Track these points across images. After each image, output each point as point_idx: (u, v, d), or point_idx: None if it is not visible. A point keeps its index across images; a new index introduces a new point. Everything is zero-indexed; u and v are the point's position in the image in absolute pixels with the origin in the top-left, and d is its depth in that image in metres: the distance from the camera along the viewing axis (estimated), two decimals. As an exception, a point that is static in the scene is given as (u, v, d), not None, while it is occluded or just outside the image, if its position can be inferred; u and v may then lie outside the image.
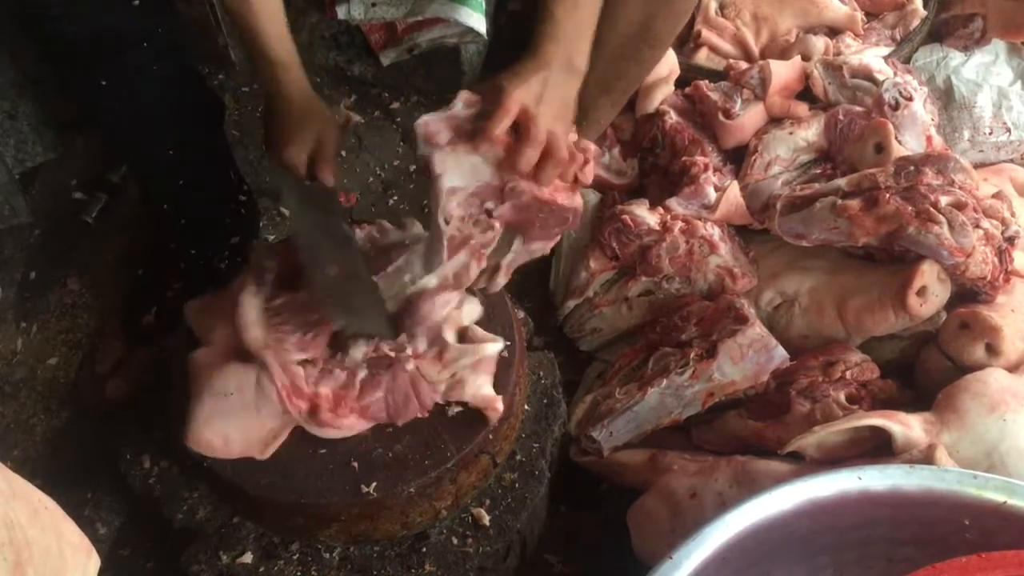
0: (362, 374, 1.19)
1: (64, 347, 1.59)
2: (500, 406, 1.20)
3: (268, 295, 1.23)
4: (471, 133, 1.06)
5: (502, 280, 1.23)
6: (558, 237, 1.19)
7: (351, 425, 1.18)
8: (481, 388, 1.20)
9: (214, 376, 1.17)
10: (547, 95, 1.08)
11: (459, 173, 1.07)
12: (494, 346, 1.23)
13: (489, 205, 1.11)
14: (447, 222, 1.11)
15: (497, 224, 1.13)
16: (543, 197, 1.09)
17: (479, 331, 1.27)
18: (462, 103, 1.08)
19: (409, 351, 1.20)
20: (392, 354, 1.20)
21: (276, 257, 1.28)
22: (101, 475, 1.40)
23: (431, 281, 1.19)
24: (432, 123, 1.06)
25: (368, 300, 1.19)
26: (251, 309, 1.20)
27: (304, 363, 1.18)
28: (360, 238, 1.29)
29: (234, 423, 1.16)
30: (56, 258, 1.66)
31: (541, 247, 1.19)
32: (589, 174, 1.14)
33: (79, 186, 1.74)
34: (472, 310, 1.27)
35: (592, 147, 1.15)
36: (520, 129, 1.06)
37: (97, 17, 1.30)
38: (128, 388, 1.50)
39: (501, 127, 1.04)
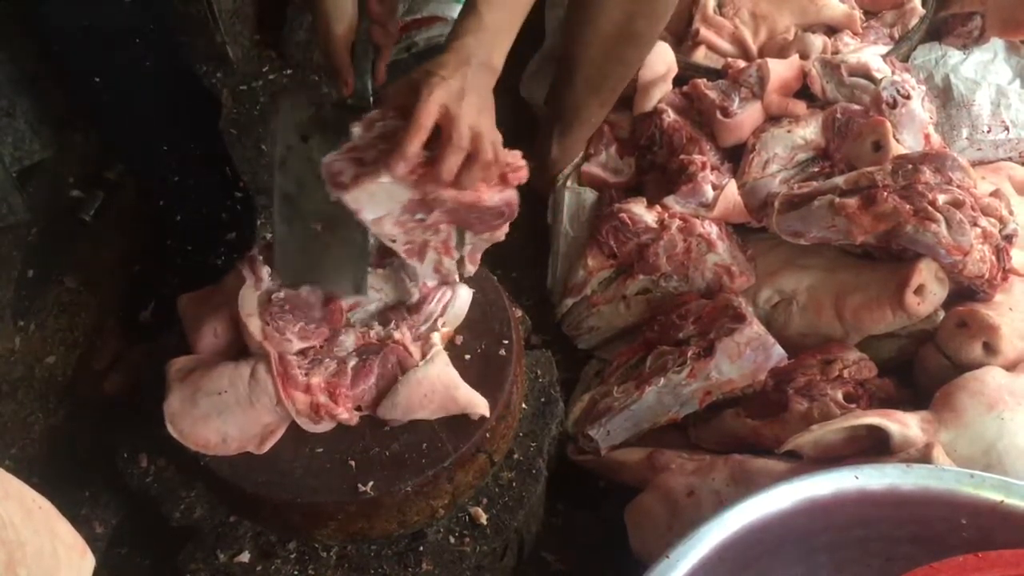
0: (352, 362, 1.20)
1: (62, 345, 1.59)
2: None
3: (269, 289, 1.23)
4: (377, 158, 1.02)
5: (471, 268, 1.23)
6: (505, 226, 1.16)
7: (345, 417, 1.18)
8: None
9: (204, 377, 1.18)
10: (468, 89, 1.01)
11: (374, 204, 1.05)
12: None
13: (420, 216, 1.08)
14: (393, 242, 1.11)
15: (442, 226, 1.12)
16: (466, 201, 1.06)
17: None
18: (360, 129, 1.04)
19: (397, 336, 1.21)
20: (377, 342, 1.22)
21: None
22: (98, 473, 1.40)
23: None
24: (334, 164, 1.03)
25: (350, 255, 1.18)
26: (251, 301, 1.21)
27: (298, 353, 1.19)
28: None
29: (231, 420, 1.16)
30: (53, 256, 1.66)
31: (492, 235, 1.18)
32: (522, 175, 1.10)
33: (76, 184, 1.74)
34: (464, 296, 1.28)
35: (519, 157, 1.10)
36: (442, 134, 1.00)
37: (94, 14, 1.30)
38: (126, 383, 1.50)
39: (415, 145, 0.98)
